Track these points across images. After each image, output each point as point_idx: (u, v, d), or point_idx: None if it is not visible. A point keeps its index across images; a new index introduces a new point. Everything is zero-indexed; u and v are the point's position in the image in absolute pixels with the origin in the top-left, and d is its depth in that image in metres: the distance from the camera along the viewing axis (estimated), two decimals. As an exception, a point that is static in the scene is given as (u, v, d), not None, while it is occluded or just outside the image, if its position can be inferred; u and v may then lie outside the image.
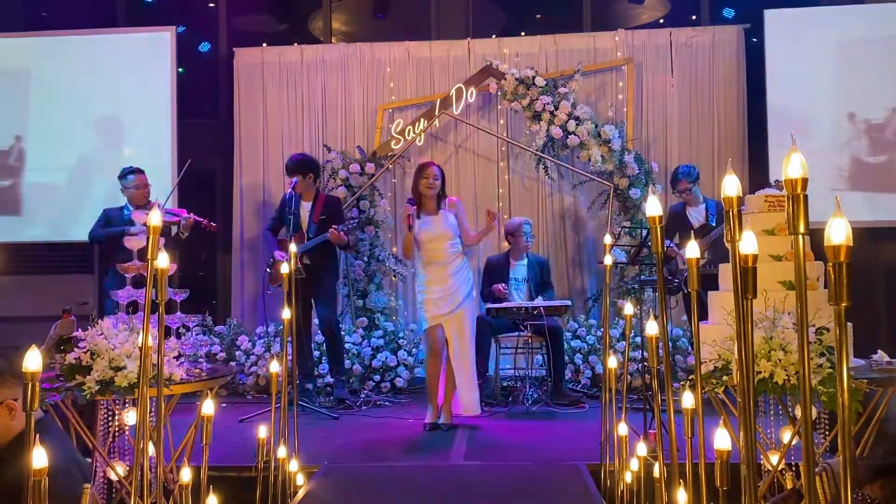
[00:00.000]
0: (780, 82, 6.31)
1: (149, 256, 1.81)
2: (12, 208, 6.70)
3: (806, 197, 1.17)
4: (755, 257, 1.39)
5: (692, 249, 1.73)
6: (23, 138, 6.70)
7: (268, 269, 5.54)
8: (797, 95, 6.29)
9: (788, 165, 1.16)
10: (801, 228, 1.16)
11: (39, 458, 1.42)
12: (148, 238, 1.80)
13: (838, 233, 1.08)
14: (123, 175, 5.28)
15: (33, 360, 1.45)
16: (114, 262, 4.90)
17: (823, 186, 6.03)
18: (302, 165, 5.35)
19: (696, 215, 5.40)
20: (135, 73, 6.64)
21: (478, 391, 4.75)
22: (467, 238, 4.76)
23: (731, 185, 1.37)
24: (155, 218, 1.80)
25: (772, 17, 6.39)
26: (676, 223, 5.38)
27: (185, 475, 2.31)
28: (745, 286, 1.36)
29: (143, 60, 6.67)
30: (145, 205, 5.11)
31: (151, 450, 2.35)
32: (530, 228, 5.70)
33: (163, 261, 1.87)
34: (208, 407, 2.46)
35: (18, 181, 6.72)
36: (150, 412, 2.47)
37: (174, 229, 5.00)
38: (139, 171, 5.28)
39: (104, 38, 6.81)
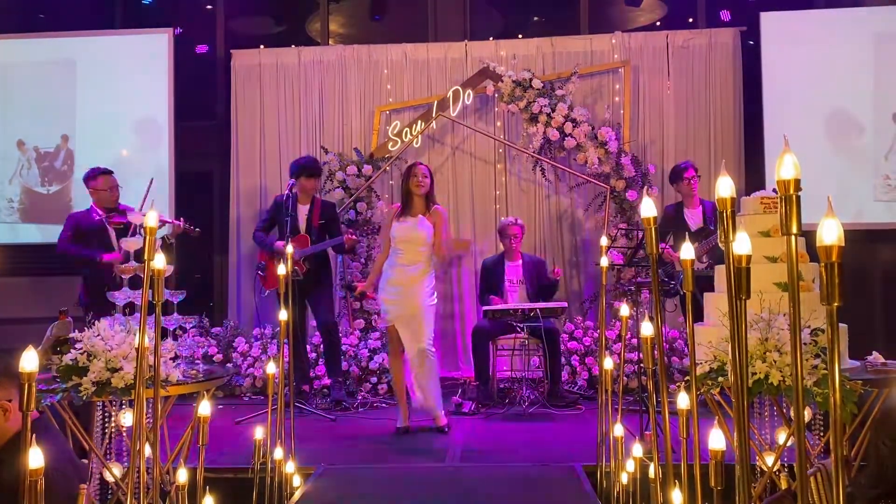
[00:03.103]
0: (776, 85, 6.32)
1: (145, 258, 1.82)
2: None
3: (799, 198, 1.18)
4: (748, 258, 1.40)
5: (687, 251, 1.73)
6: (25, 143, 6.71)
7: (259, 273, 5.51)
8: (793, 98, 6.31)
9: (781, 166, 1.16)
10: (794, 229, 1.17)
11: (35, 458, 1.42)
12: (145, 240, 1.81)
13: (830, 233, 1.09)
14: (93, 176, 5.08)
15: (30, 360, 1.44)
16: (89, 278, 4.90)
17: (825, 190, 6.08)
18: (312, 168, 5.37)
19: (693, 217, 5.38)
20: (132, 74, 6.64)
21: (439, 399, 4.54)
22: (438, 248, 4.55)
23: (724, 187, 1.37)
24: (152, 219, 1.80)
25: (768, 19, 6.42)
26: (672, 224, 5.34)
27: (182, 476, 2.32)
28: (739, 287, 1.37)
29: (141, 62, 6.66)
30: (115, 208, 5.02)
31: (148, 451, 2.35)
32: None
33: (159, 262, 1.88)
34: (205, 408, 2.46)
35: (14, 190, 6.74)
36: (147, 413, 2.47)
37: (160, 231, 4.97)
38: (108, 173, 5.10)
39: (101, 39, 6.81)
